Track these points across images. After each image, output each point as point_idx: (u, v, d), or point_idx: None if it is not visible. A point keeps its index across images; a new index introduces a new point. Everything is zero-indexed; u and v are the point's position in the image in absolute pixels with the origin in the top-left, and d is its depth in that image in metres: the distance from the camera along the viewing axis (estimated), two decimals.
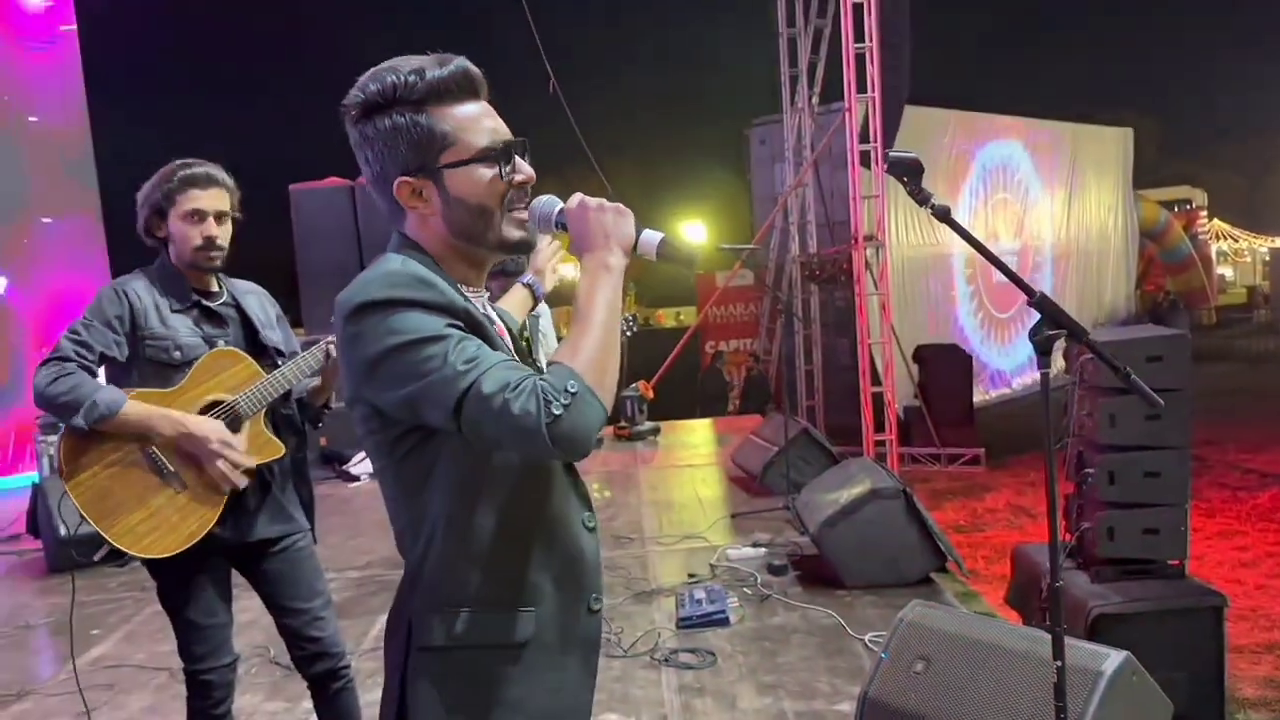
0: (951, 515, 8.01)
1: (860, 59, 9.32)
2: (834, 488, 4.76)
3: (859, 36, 9.27)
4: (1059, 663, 1.55)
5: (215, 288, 2.57)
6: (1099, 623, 3.45)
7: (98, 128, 10.26)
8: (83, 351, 2.37)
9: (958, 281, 14.99)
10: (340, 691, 2.64)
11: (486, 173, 1.38)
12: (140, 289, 2.47)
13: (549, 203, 1.45)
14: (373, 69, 1.37)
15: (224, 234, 2.49)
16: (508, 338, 1.50)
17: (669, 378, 11.06)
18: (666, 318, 27.28)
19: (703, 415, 11.59)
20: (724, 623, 4.11)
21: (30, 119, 9.75)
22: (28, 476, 7.34)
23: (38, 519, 6.06)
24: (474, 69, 1.39)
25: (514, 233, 1.43)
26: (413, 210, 1.39)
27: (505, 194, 1.40)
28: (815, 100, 11.85)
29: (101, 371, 2.44)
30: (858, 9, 9.22)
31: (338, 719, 2.66)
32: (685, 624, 4.13)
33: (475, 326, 1.32)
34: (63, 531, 5.70)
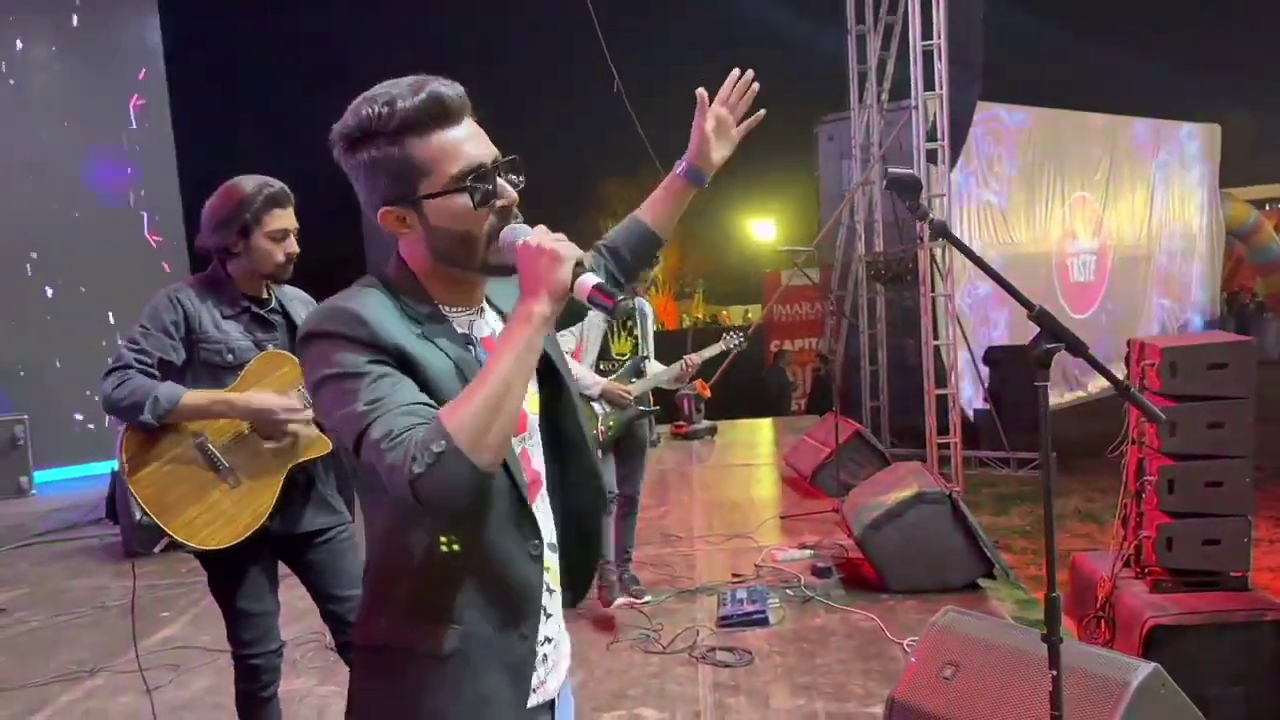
0: (1017, 520, 7.85)
1: (928, 56, 9.19)
2: (881, 491, 4.73)
3: (927, 33, 9.14)
4: (1054, 671, 1.55)
5: (265, 294, 2.68)
6: (1155, 633, 3.38)
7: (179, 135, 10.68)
8: (142, 358, 2.51)
9: (1034, 281, 14.64)
10: None
11: (464, 201, 1.37)
12: (192, 295, 2.60)
13: (514, 232, 1.39)
14: (360, 96, 1.39)
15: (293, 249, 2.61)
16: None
17: (731, 376, 11.04)
18: (734, 315, 27.19)
19: (765, 415, 11.56)
20: (764, 623, 4.13)
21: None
22: (110, 463, 7.67)
23: (116, 505, 6.35)
24: (450, 92, 1.38)
25: (504, 257, 1.40)
26: (400, 236, 1.42)
27: (488, 219, 1.38)
28: (884, 97, 11.70)
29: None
30: (926, 5, 9.10)
31: None
32: (725, 623, 4.16)
33: (405, 364, 1.33)
34: (137, 517, 5.98)
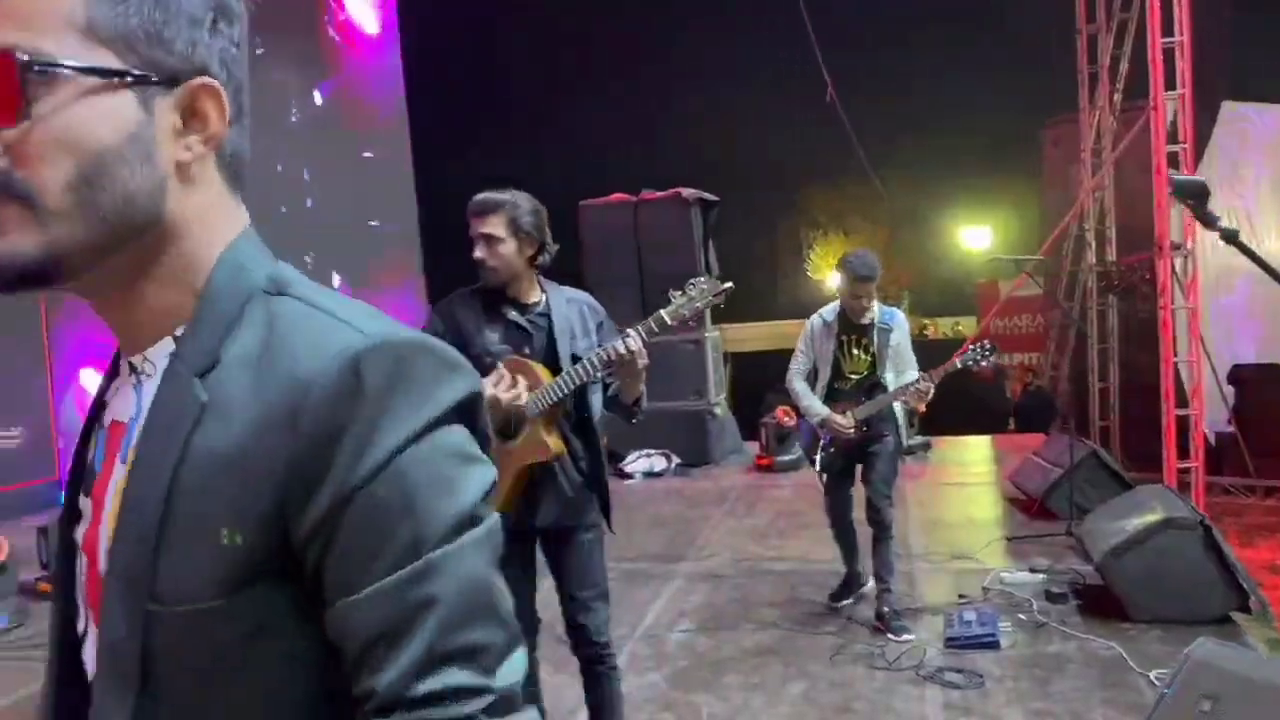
0: (1265, 554, 7.23)
1: (1169, 54, 8.62)
2: (1123, 515, 4.48)
3: (1167, 30, 8.58)
4: None
5: (533, 299, 2.85)
6: None
7: (418, 152, 11.51)
8: None
9: None
10: (604, 675, 2.90)
11: None
12: (462, 304, 2.85)
13: None
14: None
15: (492, 254, 2.75)
16: None
17: (942, 391, 10.64)
18: (943, 328, 26.22)
19: (974, 432, 11.14)
20: (994, 646, 4.00)
21: (365, 154, 11.15)
22: None
23: None
24: None
25: None
26: None
27: None
28: (1117, 98, 11.06)
29: None
30: (1166, 2, 8.55)
31: (600, 699, 2.93)
32: (953, 644, 4.06)
33: None
34: None
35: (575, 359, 2.78)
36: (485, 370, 2.76)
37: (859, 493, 4.53)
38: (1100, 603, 4.40)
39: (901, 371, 4.44)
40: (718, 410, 9.25)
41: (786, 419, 8.67)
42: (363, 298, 0.82)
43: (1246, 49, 11.13)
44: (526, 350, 2.80)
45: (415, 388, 0.74)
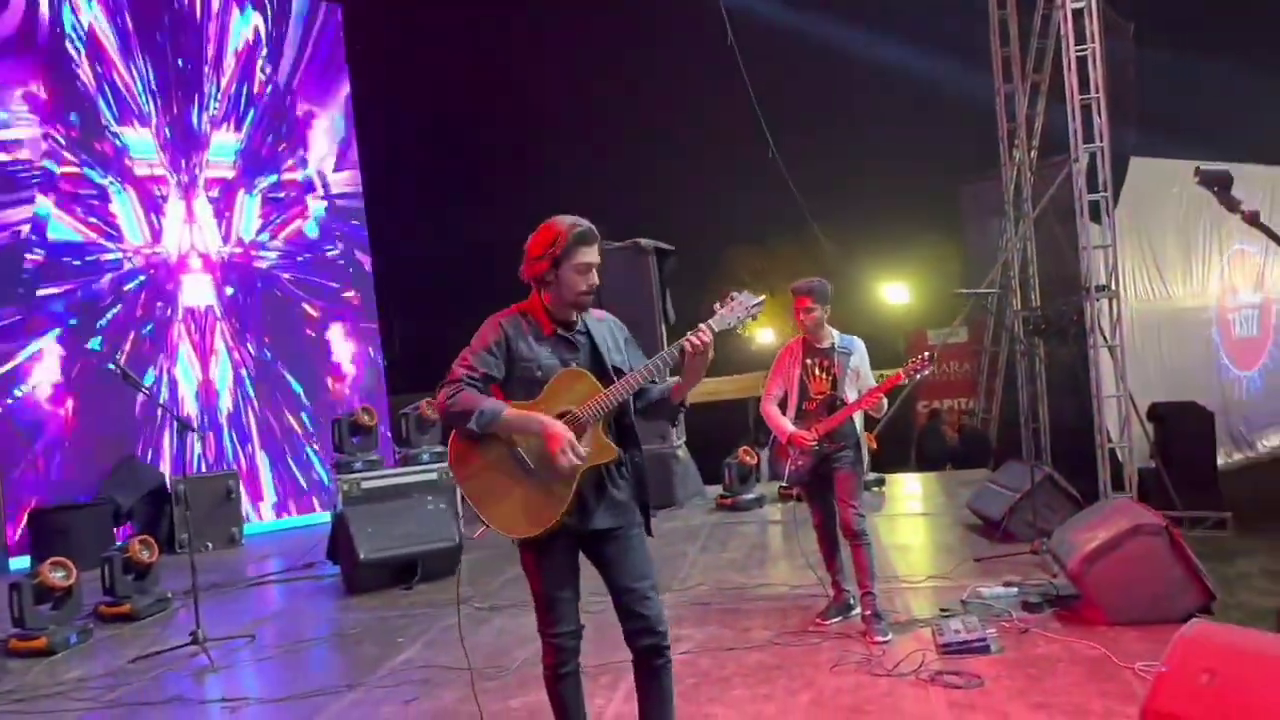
0: None
1: (1086, 109, 9.28)
2: (1092, 526, 4.79)
3: (1084, 88, 9.25)
4: None
5: (573, 318, 3.05)
6: None
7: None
8: (470, 374, 2.93)
9: (1194, 337, 14.23)
10: (662, 667, 3.01)
11: None
12: (512, 321, 3.01)
13: None
14: None
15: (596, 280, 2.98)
16: None
17: (884, 433, 11.04)
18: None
19: (916, 472, 11.59)
20: (985, 650, 4.22)
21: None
22: (324, 514, 8.27)
23: (338, 547, 6.86)
24: None
25: None
26: None
27: None
28: (1034, 154, 11.79)
29: None
30: (1081, 61, 9.23)
31: (652, 692, 3.03)
32: (946, 649, 4.27)
33: None
34: (361, 556, 6.47)
35: (618, 371, 2.98)
36: (534, 380, 2.94)
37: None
38: (1076, 610, 4.68)
39: (863, 392, 4.80)
40: (680, 453, 9.43)
41: (748, 458, 8.92)
42: None
43: (1149, 109, 12.00)
44: (573, 364, 2.98)
45: None
